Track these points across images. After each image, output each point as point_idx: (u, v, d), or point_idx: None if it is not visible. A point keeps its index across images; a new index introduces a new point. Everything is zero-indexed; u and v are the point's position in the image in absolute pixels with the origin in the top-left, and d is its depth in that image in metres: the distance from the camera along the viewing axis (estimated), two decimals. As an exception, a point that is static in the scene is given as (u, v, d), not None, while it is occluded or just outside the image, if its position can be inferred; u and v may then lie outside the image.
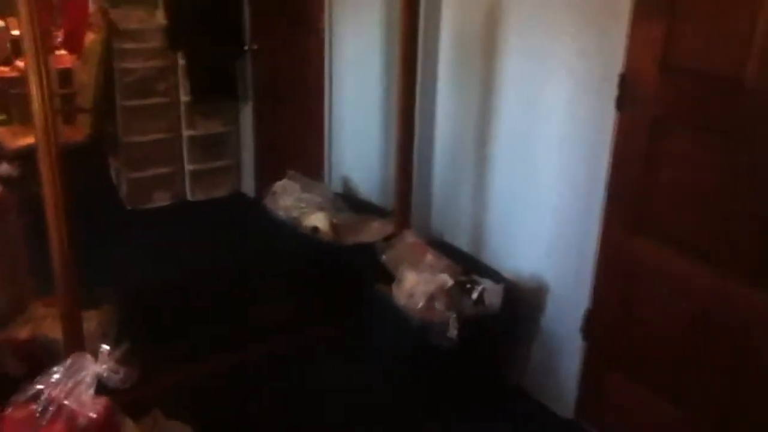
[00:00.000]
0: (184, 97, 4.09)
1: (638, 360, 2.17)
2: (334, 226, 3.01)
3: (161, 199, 4.21)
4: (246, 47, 3.95)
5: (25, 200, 2.88)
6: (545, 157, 2.36)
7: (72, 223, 2.11)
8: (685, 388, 2.03)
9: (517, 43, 2.40)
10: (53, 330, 2.53)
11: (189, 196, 4.28)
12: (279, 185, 3.17)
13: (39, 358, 2.24)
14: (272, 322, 2.77)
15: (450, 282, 2.37)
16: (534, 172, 2.41)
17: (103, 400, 1.52)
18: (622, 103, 2.07)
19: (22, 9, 1.87)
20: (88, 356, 1.52)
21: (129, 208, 4.11)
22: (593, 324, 2.29)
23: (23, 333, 2.54)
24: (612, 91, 2.08)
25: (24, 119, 4.64)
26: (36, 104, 1.96)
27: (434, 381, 2.41)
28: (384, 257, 2.69)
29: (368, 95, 3.19)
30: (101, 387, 1.53)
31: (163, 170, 4.18)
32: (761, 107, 1.74)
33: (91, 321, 2.52)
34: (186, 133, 4.18)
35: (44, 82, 1.94)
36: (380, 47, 3.06)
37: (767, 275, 1.78)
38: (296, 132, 3.81)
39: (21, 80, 4.82)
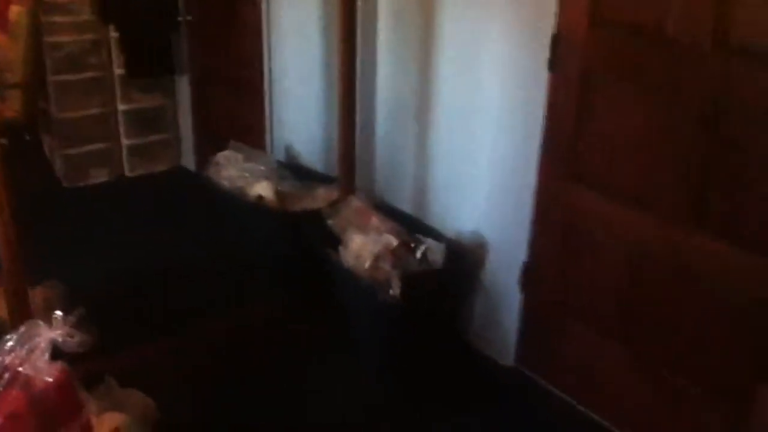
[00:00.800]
0: (118, 71, 4.01)
1: (580, 306, 2.29)
2: (279, 194, 3.04)
3: (99, 176, 4.13)
4: (180, 18, 3.89)
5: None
6: (483, 117, 2.44)
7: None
8: (622, 327, 2.17)
9: (454, 5, 2.46)
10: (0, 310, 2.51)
11: (127, 172, 4.22)
12: (222, 156, 3.17)
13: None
14: (223, 292, 2.80)
15: (394, 242, 2.45)
16: (472, 132, 2.50)
17: (58, 365, 1.54)
18: (554, 63, 2.17)
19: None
20: (42, 323, 1.54)
21: (65, 185, 4.03)
22: (530, 275, 2.41)
23: (-34, 312, 2.50)
24: (545, 51, 2.17)
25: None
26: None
27: (385, 336, 2.49)
28: (330, 222, 2.75)
29: (308, 63, 3.21)
30: (57, 353, 1.55)
31: (100, 146, 4.10)
32: (682, 55, 1.85)
33: (36, 297, 2.50)
34: (121, 107, 4.11)
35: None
36: (318, 13, 3.08)
37: (699, 217, 1.91)
38: (236, 103, 3.80)
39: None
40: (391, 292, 2.35)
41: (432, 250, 2.46)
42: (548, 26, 2.15)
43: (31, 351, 1.50)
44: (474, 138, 2.50)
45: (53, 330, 1.52)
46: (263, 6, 3.35)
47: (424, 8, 2.57)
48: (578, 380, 2.34)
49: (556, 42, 2.15)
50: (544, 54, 2.17)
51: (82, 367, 2.00)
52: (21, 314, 2.20)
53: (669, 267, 2.01)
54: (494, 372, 2.55)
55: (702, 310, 1.96)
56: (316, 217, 2.78)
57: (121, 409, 2.09)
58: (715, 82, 1.80)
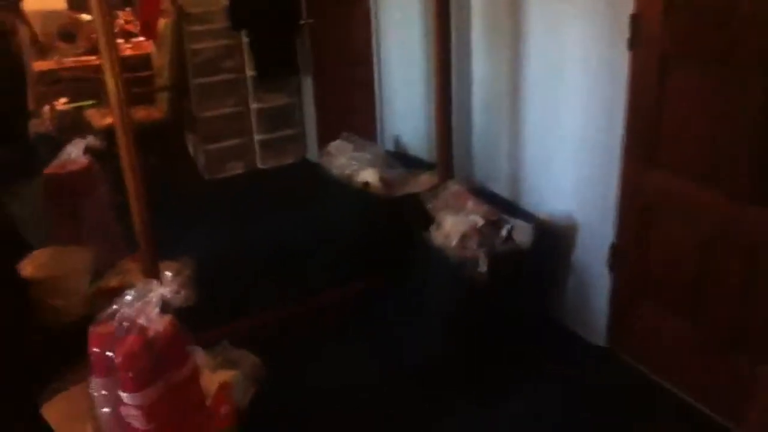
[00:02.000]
0: (249, 73, 4.41)
1: (659, 286, 2.31)
2: (384, 180, 3.23)
3: (235, 169, 4.57)
4: (302, 22, 4.20)
5: (110, 171, 3.29)
6: (569, 101, 2.50)
7: (150, 189, 2.42)
8: (699, 307, 2.16)
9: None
10: (139, 279, 2.91)
11: (259, 164, 4.62)
12: (333, 146, 3.41)
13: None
14: (325, 270, 3.04)
15: (481, 222, 2.56)
16: (559, 116, 2.56)
17: (168, 317, 1.82)
18: (633, 42, 2.19)
19: (93, 2, 2.16)
20: (154, 281, 1.83)
21: (206, 178, 4.49)
22: (618, 256, 2.43)
23: (113, 282, 2.93)
24: (624, 32, 2.20)
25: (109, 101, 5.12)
26: (110, 86, 2.27)
27: (473, 315, 2.60)
28: (429, 206, 2.90)
29: (412, 59, 3.39)
30: (167, 307, 1.84)
31: (235, 141, 4.54)
32: (755, 33, 1.83)
33: (170, 270, 2.88)
34: (253, 106, 4.51)
35: (117, 69, 2.25)
36: (419, 12, 3.24)
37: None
38: (351, 98, 4.05)
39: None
40: (478, 269, 2.46)
41: (519, 230, 2.54)
42: (627, 7, 2.17)
43: (146, 304, 1.80)
44: (561, 123, 2.56)
45: (163, 287, 1.81)
46: (371, 8, 3.57)
47: (513, 3, 2.67)
48: (663, 359, 2.34)
49: (636, 22, 2.17)
50: (623, 35, 2.20)
51: (203, 332, 2.33)
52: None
53: (736, 244, 2.01)
54: (585, 350, 2.58)
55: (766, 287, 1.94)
56: (415, 201, 2.94)
57: (233, 366, 2.39)
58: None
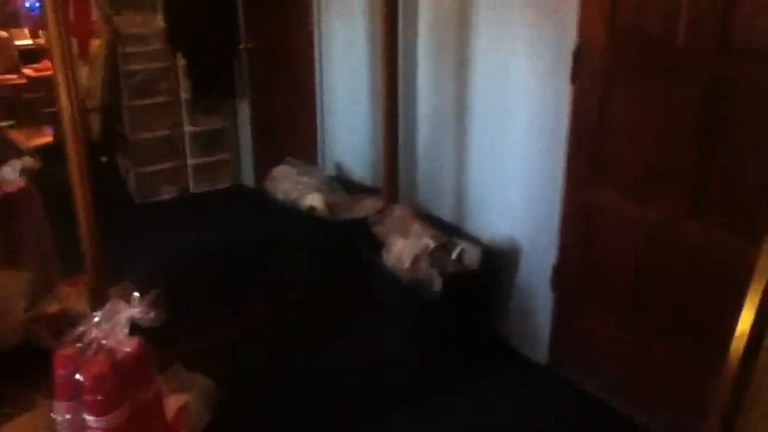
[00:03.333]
0: (184, 95, 4.37)
1: (600, 300, 2.46)
2: (329, 205, 3.29)
3: (167, 192, 4.49)
4: (241, 46, 4.23)
5: (44, 191, 3.18)
6: (514, 129, 2.63)
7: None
8: (637, 316, 2.33)
9: (486, 26, 2.68)
10: (78, 305, 2.82)
11: (192, 189, 4.56)
12: (277, 170, 3.45)
13: (66, 330, 2.53)
14: (278, 291, 3.06)
15: (432, 244, 2.66)
16: (504, 143, 2.70)
17: (136, 339, 1.79)
18: (575, 73, 2.35)
19: (51, 23, 2.13)
20: (122, 302, 1.80)
21: (138, 201, 4.39)
22: (560, 276, 2.58)
23: (52, 308, 2.83)
24: (567, 64, 2.36)
25: (33, 122, 4.95)
26: (64, 105, 2.23)
27: (427, 333, 2.69)
28: (375, 229, 2.98)
29: (356, 84, 3.48)
30: (134, 328, 1.81)
31: (168, 165, 4.46)
32: (690, 63, 2.03)
33: (113, 295, 2.81)
34: (188, 129, 4.47)
35: (71, 87, 2.21)
36: (365, 38, 3.35)
37: (701, 208, 2.08)
38: (291, 123, 4.09)
39: (28, 86, 5.13)
40: (432, 288, 2.55)
41: (467, 252, 2.65)
42: (569, 41, 2.34)
43: (114, 326, 1.77)
44: (506, 149, 2.69)
45: (132, 308, 1.78)
46: (315, 31, 3.64)
47: (459, 29, 2.80)
48: (603, 373, 2.49)
49: (578, 55, 2.33)
50: (567, 66, 2.36)
51: (154, 353, 2.30)
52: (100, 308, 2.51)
53: (671, 253, 2.18)
54: (527, 366, 2.70)
55: (699, 292, 2.13)
56: (362, 225, 3.01)
57: (186, 389, 2.36)
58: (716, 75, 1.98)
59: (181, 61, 4.29)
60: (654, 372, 2.32)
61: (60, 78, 2.20)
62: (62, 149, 2.37)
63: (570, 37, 2.34)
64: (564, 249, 2.55)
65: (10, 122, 5.31)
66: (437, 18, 2.92)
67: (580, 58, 2.33)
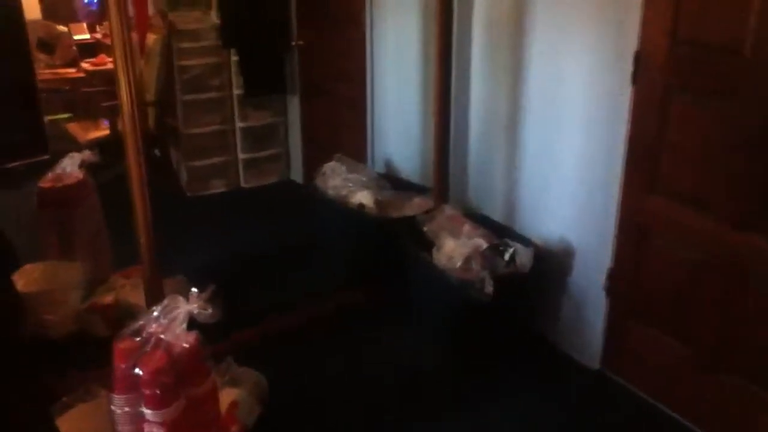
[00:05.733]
0: (236, 91, 4.42)
1: (653, 309, 2.41)
2: (378, 203, 3.29)
3: (218, 187, 4.56)
4: (293, 43, 4.25)
5: (102, 184, 3.26)
6: (570, 131, 2.59)
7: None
8: (688, 327, 2.28)
9: (543, 26, 2.63)
10: (133, 296, 2.89)
11: (243, 183, 4.62)
12: (328, 167, 3.46)
13: (122, 320, 2.59)
14: (325, 290, 3.07)
15: (484, 245, 2.63)
16: (560, 144, 2.65)
17: (193, 334, 1.82)
18: (636, 77, 2.30)
19: (113, 18, 2.17)
20: (181, 298, 1.83)
21: (189, 194, 4.47)
22: (615, 281, 2.53)
23: (107, 299, 2.90)
24: (628, 67, 2.31)
25: (90, 115, 5.07)
26: (123, 99, 2.27)
27: (472, 336, 2.67)
28: (425, 228, 2.96)
29: (407, 83, 3.46)
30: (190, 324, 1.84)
31: (219, 159, 4.53)
32: (758, 74, 1.96)
33: (167, 288, 2.86)
34: (239, 124, 4.52)
35: (131, 81, 2.25)
36: (418, 37, 3.33)
37: (757, 221, 2.03)
38: (341, 120, 4.10)
39: (85, 80, 5.25)
40: (484, 290, 2.52)
41: (520, 254, 2.62)
42: (630, 44, 2.29)
43: (172, 321, 1.80)
44: (560, 150, 2.65)
45: (190, 304, 1.81)
46: (367, 29, 3.64)
47: (514, 29, 2.76)
48: (656, 381, 2.44)
49: (638, 59, 2.28)
50: (627, 70, 2.31)
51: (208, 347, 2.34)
52: (155, 301, 2.55)
53: (725, 267, 2.14)
54: (578, 372, 2.66)
55: (752, 307, 2.09)
56: (411, 224, 3.00)
57: (237, 384, 2.39)
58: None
59: (233, 57, 4.33)
60: (705, 386, 2.27)
61: (120, 72, 2.24)
62: (118, 143, 2.43)
63: (631, 42, 2.29)
64: (620, 252, 2.50)
65: (68, 115, 5.47)
66: (493, 16, 2.88)
67: (640, 62, 2.28)
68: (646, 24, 2.24)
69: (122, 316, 2.69)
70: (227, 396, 2.30)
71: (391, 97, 3.64)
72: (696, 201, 2.21)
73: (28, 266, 2.90)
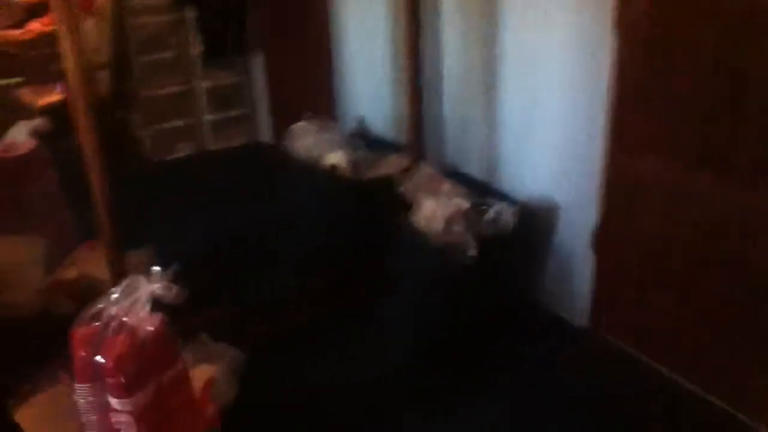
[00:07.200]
0: (197, 50, 4.18)
1: (646, 266, 2.32)
2: (352, 163, 3.13)
3: (182, 150, 4.35)
4: (252, -4, 4.02)
5: (56, 153, 3.05)
6: (549, 81, 2.46)
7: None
8: (689, 287, 2.19)
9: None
10: (97, 270, 2.72)
11: (209, 146, 4.42)
12: (297, 127, 3.28)
13: (86, 296, 2.43)
14: (294, 255, 2.93)
15: (466, 205, 2.51)
16: (539, 97, 2.52)
17: (158, 316, 1.68)
18: (619, 24, 2.16)
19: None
20: (142, 278, 1.68)
21: (152, 160, 4.26)
22: (601, 238, 2.43)
23: (70, 274, 2.73)
24: (609, 14, 2.17)
25: (41, 79, 4.77)
26: (70, 61, 2.09)
27: (457, 301, 2.56)
28: (402, 189, 2.83)
29: (375, 35, 3.28)
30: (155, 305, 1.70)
31: (182, 122, 4.31)
32: (737, 25, 1.85)
33: (131, 260, 2.70)
34: (201, 84, 4.30)
35: (76, 40, 2.07)
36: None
37: (759, 177, 1.92)
38: (308, 77, 3.91)
39: (35, 42, 4.93)
40: (467, 253, 2.41)
41: (503, 213, 2.50)
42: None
43: (134, 303, 1.65)
44: (540, 102, 2.52)
45: (152, 284, 1.67)
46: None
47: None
48: (647, 338, 2.37)
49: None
50: (609, 17, 2.17)
51: (177, 324, 2.19)
52: (119, 274, 2.40)
53: (726, 224, 2.04)
54: (568, 331, 2.59)
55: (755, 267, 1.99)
56: (387, 184, 2.86)
57: (213, 361, 2.26)
58: None
59: (190, 14, 4.08)
60: (701, 343, 2.21)
61: (63, 31, 2.06)
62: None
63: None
64: (607, 210, 2.39)
65: (18, 80, 5.15)
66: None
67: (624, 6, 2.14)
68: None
69: (88, 291, 2.55)
70: (203, 373, 2.18)
71: (360, 51, 3.46)
72: (691, 156, 2.08)
73: (-22, 244, 2.71)
